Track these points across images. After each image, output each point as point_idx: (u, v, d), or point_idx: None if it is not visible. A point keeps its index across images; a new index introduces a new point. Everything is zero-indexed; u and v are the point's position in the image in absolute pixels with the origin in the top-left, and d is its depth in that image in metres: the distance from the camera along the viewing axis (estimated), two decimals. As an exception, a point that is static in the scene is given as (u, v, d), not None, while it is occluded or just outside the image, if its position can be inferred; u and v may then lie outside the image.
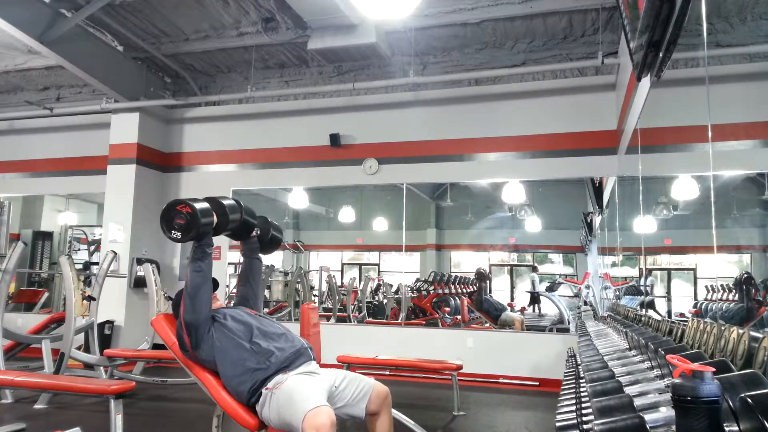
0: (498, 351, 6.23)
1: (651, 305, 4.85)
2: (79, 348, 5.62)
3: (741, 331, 1.43)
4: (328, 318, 7.82)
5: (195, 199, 2.61)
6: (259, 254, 3.12)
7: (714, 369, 0.91)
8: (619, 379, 1.51)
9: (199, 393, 2.67)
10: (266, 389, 2.40)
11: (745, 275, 4.08)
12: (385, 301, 9.18)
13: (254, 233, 3.05)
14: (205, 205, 2.61)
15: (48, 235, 9.65)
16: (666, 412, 1.15)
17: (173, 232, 2.51)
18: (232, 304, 3.04)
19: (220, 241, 7.30)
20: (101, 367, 5.40)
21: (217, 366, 2.52)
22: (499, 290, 11.43)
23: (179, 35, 6.91)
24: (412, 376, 6.13)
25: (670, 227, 5.28)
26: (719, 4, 5.13)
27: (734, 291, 4.13)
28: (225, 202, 2.72)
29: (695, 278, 6.14)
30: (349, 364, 4.46)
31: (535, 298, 10.45)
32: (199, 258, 2.56)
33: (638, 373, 1.66)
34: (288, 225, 11.79)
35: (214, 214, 2.63)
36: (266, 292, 8.58)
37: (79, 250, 9.87)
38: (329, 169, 7.04)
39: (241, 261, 3.13)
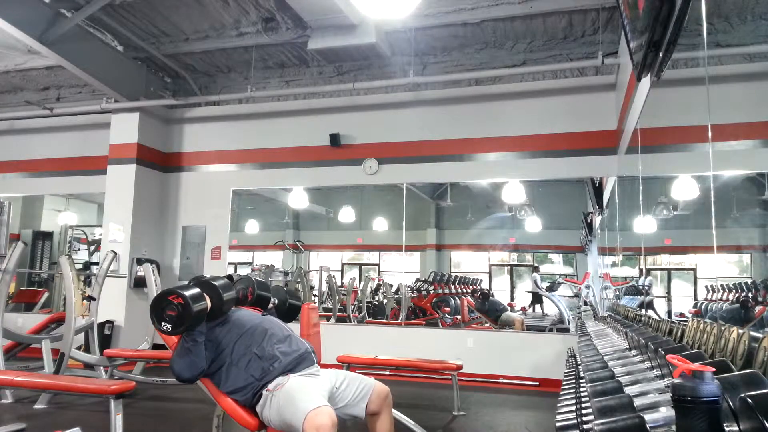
0: (498, 351, 6.23)
1: (650, 305, 4.85)
2: (79, 348, 5.63)
3: (741, 331, 1.43)
4: (328, 318, 7.82)
5: (185, 286, 2.48)
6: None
7: (714, 369, 0.91)
8: (619, 379, 1.51)
9: (199, 393, 2.67)
10: (267, 390, 2.40)
11: (744, 296, 4.06)
12: (385, 301, 9.18)
13: (271, 305, 3.06)
14: (197, 290, 2.46)
15: (48, 235, 9.65)
16: (666, 412, 1.15)
17: (164, 324, 2.36)
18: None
19: (221, 240, 7.31)
20: (101, 367, 5.39)
21: (220, 372, 2.51)
22: (499, 290, 11.43)
23: (179, 35, 6.91)
24: (412, 376, 6.13)
25: (670, 227, 5.27)
26: (719, 4, 5.13)
27: (734, 302, 4.12)
28: (217, 282, 2.59)
29: (695, 278, 6.13)
30: (349, 364, 4.46)
31: (537, 298, 10.46)
32: (190, 349, 2.44)
33: (638, 373, 1.66)
34: (288, 225, 11.79)
35: (207, 298, 2.48)
36: (266, 292, 8.54)
37: (79, 250, 9.87)
38: (329, 169, 7.04)
39: None
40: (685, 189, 4.55)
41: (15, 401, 4.66)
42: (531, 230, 10.93)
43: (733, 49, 4.96)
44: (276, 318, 2.86)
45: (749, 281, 4.45)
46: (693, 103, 3.41)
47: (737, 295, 4.06)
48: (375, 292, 9.82)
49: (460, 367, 4.56)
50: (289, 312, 3.19)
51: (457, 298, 8.98)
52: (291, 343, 2.60)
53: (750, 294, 3.95)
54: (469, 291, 9.52)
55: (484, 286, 10.59)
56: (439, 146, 6.67)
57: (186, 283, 2.59)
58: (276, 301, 3.08)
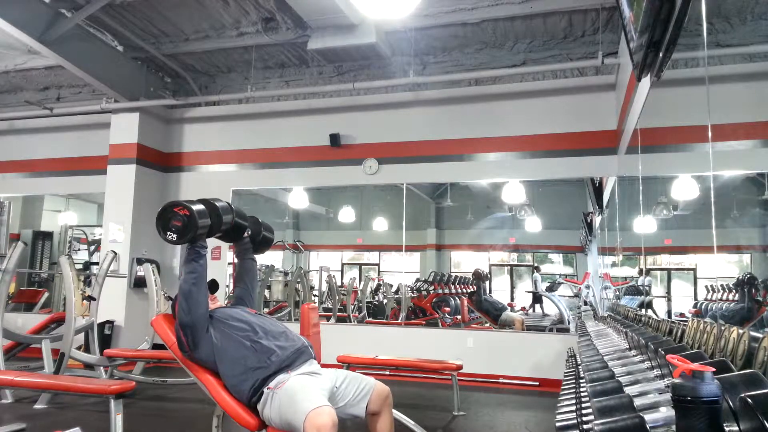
0: (498, 351, 6.23)
1: (648, 305, 4.85)
2: (79, 348, 5.63)
3: (741, 331, 1.43)
4: (328, 318, 7.82)
5: (191, 200, 2.59)
6: (253, 255, 3.13)
7: (714, 369, 0.91)
8: (619, 379, 1.51)
9: (199, 393, 2.67)
10: (268, 389, 2.40)
11: (748, 275, 4.07)
12: (385, 301, 9.19)
13: (246, 234, 3.05)
14: (202, 206, 2.59)
15: (48, 235, 9.64)
16: (666, 412, 1.15)
17: (169, 233, 2.48)
18: (230, 305, 3.05)
19: (220, 241, 7.30)
20: (101, 367, 5.40)
21: (217, 366, 2.52)
22: (499, 290, 11.44)
23: (179, 35, 6.91)
24: (412, 376, 6.13)
25: (670, 227, 5.28)
26: (719, 4, 5.13)
27: (735, 291, 4.13)
28: (218, 204, 2.70)
29: (695, 278, 6.14)
30: (349, 364, 4.46)
31: (538, 298, 10.46)
32: (194, 259, 2.54)
33: (638, 373, 1.66)
34: (288, 225, 11.79)
35: (209, 216, 2.61)
36: (266, 292, 8.57)
37: (79, 250, 9.87)
38: (329, 169, 7.04)
39: (236, 262, 3.15)
40: (685, 189, 4.55)
41: (15, 401, 4.66)
42: (531, 230, 10.93)
43: (733, 49, 4.95)
44: (268, 316, 2.87)
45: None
46: (693, 103, 3.41)
47: (742, 277, 4.07)
48: (375, 292, 9.82)
49: (460, 367, 4.56)
50: (262, 243, 3.18)
51: (457, 298, 8.98)
52: (287, 338, 2.60)
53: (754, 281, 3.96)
54: (469, 292, 9.51)
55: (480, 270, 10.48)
56: (439, 146, 6.67)
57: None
58: (250, 232, 3.08)
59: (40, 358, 5.14)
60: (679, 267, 6.90)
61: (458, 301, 8.81)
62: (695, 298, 5.71)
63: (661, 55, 1.98)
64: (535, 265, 11.81)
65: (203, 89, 7.94)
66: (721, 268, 4.81)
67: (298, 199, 9.18)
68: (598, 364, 1.85)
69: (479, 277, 8.97)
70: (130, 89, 7.27)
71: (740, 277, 4.11)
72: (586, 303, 7.35)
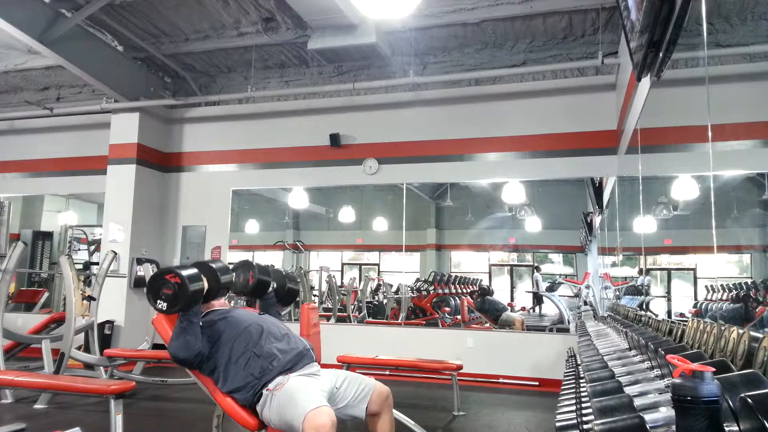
0: (498, 351, 6.23)
1: (646, 306, 4.85)
2: (79, 348, 5.63)
3: (741, 331, 1.43)
4: (328, 318, 7.82)
5: (183, 266, 2.51)
6: (279, 309, 3.14)
7: (714, 369, 0.91)
8: (619, 379, 1.51)
9: (199, 393, 2.67)
10: (267, 390, 2.40)
11: (744, 294, 4.06)
12: (385, 301, 9.18)
13: (270, 289, 3.06)
14: (194, 271, 2.49)
15: (48, 235, 9.64)
16: (666, 412, 1.15)
17: (159, 302, 2.39)
18: (232, 304, 3.05)
19: (221, 240, 7.31)
20: (101, 367, 5.39)
21: (219, 377, 2.51)
22: (499, 290, 11.42)
23: (179, 35, 6.91)
24: (412, 376, 6.13)
25: (670, 227, 5.27)
26: (719, 4, 5.13)
27: (736, 297, 4.12)
28: (215, 265, 2.62)
29: (695, 278, 6.13)
30: (349, 364, 4.46)
31: (540, 298, 10.47)
32: (185, 328, 2.45)
33: (638, 373, 1.66)
34: (288, 225, 11.79)
35: (205, 279, 2.52)
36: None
37: (79, 250, 9.87)
38: (329, 169, 7.04)
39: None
40: (685, 189, 4.55)
41: (15, 401, 4.66)
42: (531, 230, 10.92)
43: (733, 49, 4.96)
44: (273, 317, 2.86)
45: (749, 281, 4.45)
46: (693, 103, 3.41)
47: (738, 293, 4.06)
48: (375, 292, 9.82)
49: (460, 367, 4.56)
50: (287, 296, 3.20)
51: (457, 298, 8.98)
52: (289, 341, 2.60)
53: (751, 292, 3.95)
54: (469, 291, 9.51)
55: (484, 284, 10.56)
56: (439, 146, 6.67)
57: (186, 258, 2.62)
58: (275, 285, 3.09)
59: (40, 358, 5.14)
60: (679, 267, 6.89)
61: (458, 301, 8.81)
62: (695, 298, 5.71)
63: (661, 55, 1.98)
64: (536, 265, 11.81)
65: (203, 89, 7.94)
66: (721, 268, 4.81)
67: (298, 199, 9.17)
68: (598, 364, 1.85)
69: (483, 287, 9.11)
70: (130, 89, 7.27)
71: (738, 294, 4.10)
72: (586, 303, 7.35)
